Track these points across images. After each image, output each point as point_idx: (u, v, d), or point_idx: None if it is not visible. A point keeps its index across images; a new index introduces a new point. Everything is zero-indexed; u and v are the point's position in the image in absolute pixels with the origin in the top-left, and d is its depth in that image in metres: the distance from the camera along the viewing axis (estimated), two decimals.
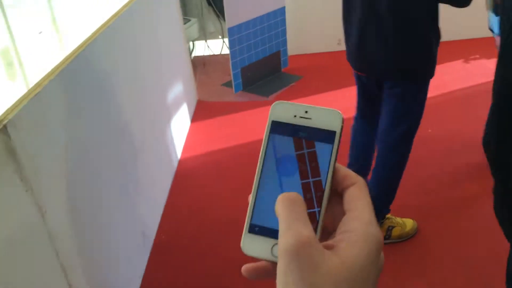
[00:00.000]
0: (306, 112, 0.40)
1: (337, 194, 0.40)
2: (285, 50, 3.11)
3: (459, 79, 2.92)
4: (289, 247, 0.34)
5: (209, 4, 3.46)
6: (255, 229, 0.40)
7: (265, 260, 0.38)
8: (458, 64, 3.15)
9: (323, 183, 0.39)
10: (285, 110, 0.41)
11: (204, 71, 3.35)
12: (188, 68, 2.81)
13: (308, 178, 0.40)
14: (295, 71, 3.14)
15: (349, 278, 0.34)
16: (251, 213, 0.40)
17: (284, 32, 3.04)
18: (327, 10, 3.17)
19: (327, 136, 0.40)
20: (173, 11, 2.59)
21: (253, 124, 2.58)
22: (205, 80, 3.21)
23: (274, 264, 0.37)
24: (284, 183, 0.40)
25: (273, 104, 0.41)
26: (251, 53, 2.87)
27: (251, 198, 0.40)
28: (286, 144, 0.40)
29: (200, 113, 2.79)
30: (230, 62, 2.77)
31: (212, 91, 3.03)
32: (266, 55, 2.96)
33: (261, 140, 0.41)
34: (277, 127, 0.41)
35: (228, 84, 2.99)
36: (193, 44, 3.48)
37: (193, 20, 3.33)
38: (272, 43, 2.98)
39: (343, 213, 0.38)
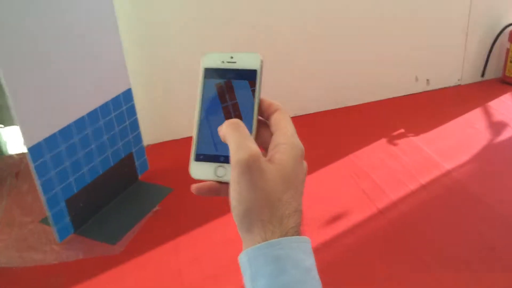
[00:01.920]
0: (231, 57, 0.49)
1: (264, 122, 0.49)
2: (141, 150, 2.04)
3: None
4: (242, 161, 0.43)
5: None
6: (200, 157, 0.49)
7: (211, 180, 0.48)
8: None
9: (252, 111, 0.48)
10: (213, 58, 0.50)
11: (13, 193, 2.12)
12: None
13: (239, 111, 0.48)
14: (161, 175, 2.08)
15: (284, 177, 0.45)
16: (195, 145, 0.49)
17: (135, 124, 1.97)
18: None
19: (251, 74, 0.49)
20: None
21: None
22: (12, 213, 1.99)
23: (218, 183, 0.48)
24: (220, 118, 0.49)
25: (203, 55, 0.50)
26: (81, 173, 1.75)
27: (193, 133, 0.49)
28: (218, 85, 0.49)
29: None
30: (43, 198, 1.63)
31: (19, 241, 1.79)
32: (108, 166, 1.87)
33: None
34: (209, 73, 0.50)
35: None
36: None
37: None
38: (118, 145, 1.89)
39: (271, 135, 0.48)
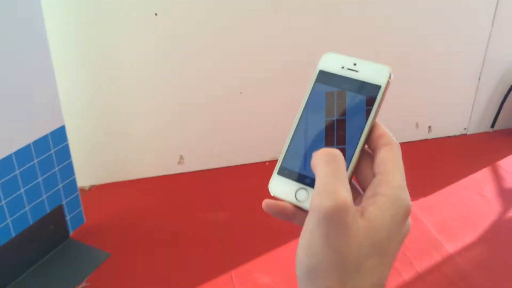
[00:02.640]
0: (355, 64, 0.41)
1: (369, 153, 0.39)
2: (75, 200, 1.63)
3: None
4: (324, 208, 0.34)
5: None
6: (284, 172, 0.41)
7: (288, 202, 0.39)
8: None
9: (359, 136, 0.39)
10: (334, 60, 0.42)
11: None
12: None
13: (344, 131, 0.39)
14: (100, 231, 1.69)
15: (373, 239, 0.34)
16: (283, 156, 0.41)
17: (68, 169, 1.57)
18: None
19: (372, 90, 0.39)
20: None
21: None
22: None
23: (294, 208, 0.39)
24: (320, 133, 0.40)
25: (324, 55, 0.42)
26: None
27: (286, 141, 0.42)
28: (329, 95, 0.41)
29: None
30: None
31: None
32: (27, 225, 1.46)
33: None
34: (323, 77, 0.41)
35: None
36: None
37: None
38: (41, 198, 1.49)
39: (373, 175, 0.38)
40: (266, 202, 0.40)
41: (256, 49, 1.88)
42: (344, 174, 0.35)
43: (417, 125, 2.30)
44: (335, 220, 0.33)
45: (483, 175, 2.09)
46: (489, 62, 2.18)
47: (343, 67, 0.41)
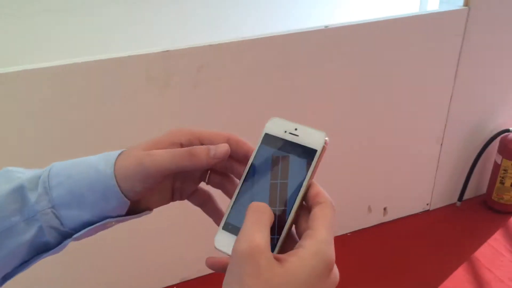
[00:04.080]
0: (296, 129, 0.45)
1: (308, 209, 0.43)
2: None
3: None
4: (238, 250, 0.37)
5: None
6: (228, 227, 0.44)
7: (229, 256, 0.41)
8: None
9: (293, 196, 0.42)
10: (278, 125, 0.47)
11: None
12: None
13: (284, 191, 0.43)
14: None
15: (288, 286, 0.36)
16: (228, 212, 0.45)
17: None
18: None
19: (309, 153, 0.43)
20: None
21: None
22: None
23: None
24: (260, 191, 0.44)
25: (271, 118, 0.47)
26: None
27: (232, 198, 0.46)
28: (271, 156, 0.45)
29: None
30: None
31: None
32: None
33: None
34: (268, 139, 0.46)
35: None
36: None
37: None
38: None
39: (307, 229, 0.41)
40: (209, 260, 0.46)
41: None
42: (265, 223, 0.39)
43: (369, 209, 1.79)
44: (248, 261, 0.36)
45: (450, 267, 1.59)
46: (451, 124, 1.71)
47: (285, 131, 0.46)
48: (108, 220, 0.48)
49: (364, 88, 1.48)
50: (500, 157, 1.79)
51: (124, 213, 0.50)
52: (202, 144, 0.49)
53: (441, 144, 1.75)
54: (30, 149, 1.13)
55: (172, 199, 0.55)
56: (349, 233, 1.78)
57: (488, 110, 1.76)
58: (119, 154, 0.49)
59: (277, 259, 0.38)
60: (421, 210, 1.90)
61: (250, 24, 1.32)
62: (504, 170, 1.79)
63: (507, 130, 1.78)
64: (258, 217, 0.39)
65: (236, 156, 0.50)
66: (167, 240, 1.44)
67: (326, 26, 1.31)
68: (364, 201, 1.75)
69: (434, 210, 1.91)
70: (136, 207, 0.52)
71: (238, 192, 0.45)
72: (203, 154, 0.47)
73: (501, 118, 1.79)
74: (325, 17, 1.77)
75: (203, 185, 0.57)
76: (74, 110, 1.14)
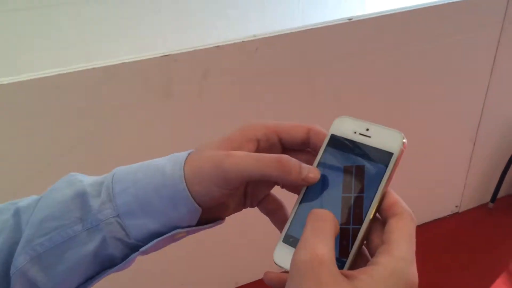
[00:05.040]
0: (367, 129, 0.39)
1: (383, 222, 0.37)
2: None
3: None
4: (298, 262, 0.32)
5: None
6: (289, 240, 0.39)
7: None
8: None
9: (366, 207, 0.37)
10: (346, 125, 0.41)
11: None
12: None
13: (355, 201, 0.37)
14: None
15: None
16: (289, 223, 0.40)
17: None
18: None
19: (383, 157, 0.38)
20: None
21: None
22: None
23: None
24: (326, 199, 0.39)
25: (337, 118, 0.41)
26: None
27: (294, 207, 0.41)
28: (340, 160, 0.39)
29: None
30: None
31: None
32: None
33: None
34: (335, 141, 0.41)
35: None
36: None
37: None
38: None
39: (381, 245, 0.35)
40: (267, 275, 0.40)
41: None
42: (328, 232, 0.34)
43: None
44: (309, 274, 0.31)
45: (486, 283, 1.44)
46: (486, 121, 1.54)
47: (355, 132, 0.40)
48: (177, 230, 0.42)
49: (393, 84, 1.30)
50: None
51: (195, 222, 0.44)
52: (280, 138, 0.44)
53: (474, 142, 1.59)
54: (16, 168, 0.98)
55: (244, 205, 0.49)
56: None
57: None
58: (189, 154, 0.43)
59: (345, 276, 0.33)
60: (450, 212, 1.74)
61: (253, 20, 1.15)
62: None
63: None
64: (321, 226, 0.35)
65: (317, 149, 0.44)
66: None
67: (350, 19, 1.13)
68: None
69: (464, 212, 1.76)
70: (206, 216, 0.45)
71: (301, 200, 0.40)
72: (295, 170, 0.40)
73: None
74: (343, 10, 1.58)
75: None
76: (59, 128, 0.98)
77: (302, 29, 1.09)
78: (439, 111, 1.44)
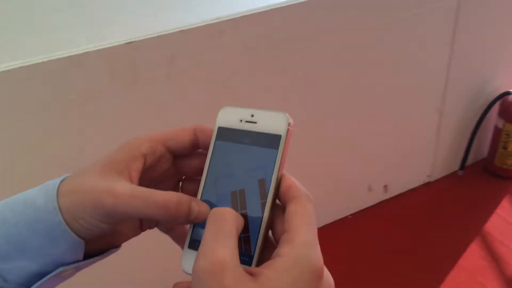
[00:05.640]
0: (252, 116, 0.39)
1: (283, 208, 0.36)
2: None
3: None
4: (198, 270, 0.30)
5: None
6: (195, 244, 0.37)
7: None
8: None
9: (264, 196, 0.36)
10: (231, 114, 0.40)
11: None
12: None
13: (251, 191, 0.36)
14: None
15: None
16: (192, 227, 0.38)
17: None
18: None
19: (273, 141, 0.37)
20: None
21: None
22: None
23: None
24: (224, 196, 0.38)
25: (221, 109, 0.40)
26: None
27: None
28: (231, 152, 0.38)
29: None
30: None
31: None
32: None
33: None
34: (223, 134, 0.39)
35: None
36: None
37: None
38: None
39: (284, 232, 0.34)
40: (176, 286, 0.37)
41: None
42: (229, 233, 0.32)
43: (369, 188, 1.67)
44: (210, 283, 0.29)
45: (458, 246, 1.50)
46: (450, 91, 1.59)
47: (241, 120, 0.39)
48: (61, 269, 0.38)
49: (355, 61, 1.33)
50: (502, 121, 1.68)
51: (81, 256, 0.40)
52: (167, 147, 0.42)
53: (441, 113, 1.63)
54: None
55: (142, 228, 0.46)
56: (350, 215, 1.66)
57: (488, 73, 1.64)
58: (62, 181, 0.39)
59: (251, 273, 0.32)
60: (422, 182, 1.80)
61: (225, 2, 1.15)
62: (507, 134, 1.68)
63: (508, 93, 1.66)
64: (220, 226, 0.33)
65: (208, 147, 0.42)
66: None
67: None
68: (363, 180, 1.63)
69: (435, 182, 1.81)
70: (99, 245, 0.42)
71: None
72: (184, 214, 0.37)
73: (501, 80, 1.67)
74: None
75: None
76: (22, 121, 0.97)
77: (266, 9, 1.10)
78: (404, 85, 1.47)
